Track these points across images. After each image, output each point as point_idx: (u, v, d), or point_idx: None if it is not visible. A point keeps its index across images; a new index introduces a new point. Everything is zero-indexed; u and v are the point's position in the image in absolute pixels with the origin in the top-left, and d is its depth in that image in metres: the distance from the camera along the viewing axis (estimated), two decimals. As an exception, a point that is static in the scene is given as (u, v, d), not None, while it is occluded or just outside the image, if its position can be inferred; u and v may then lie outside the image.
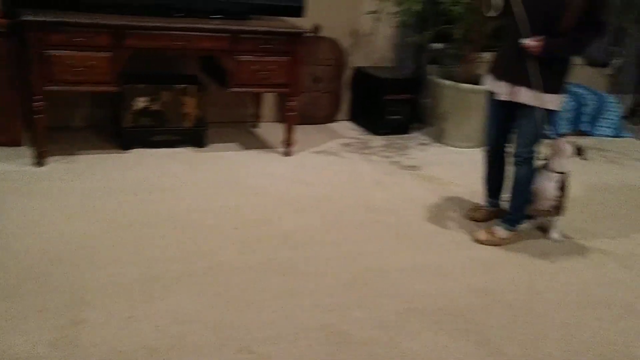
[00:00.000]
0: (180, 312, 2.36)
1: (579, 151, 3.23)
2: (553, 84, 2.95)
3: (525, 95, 2.97)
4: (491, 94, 3.16)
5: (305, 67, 4.62)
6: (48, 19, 3.26)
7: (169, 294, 2.46)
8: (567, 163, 3.21)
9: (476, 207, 3.51)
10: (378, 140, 4.73)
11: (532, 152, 3.09)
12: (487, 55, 4.82)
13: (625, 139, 5.45)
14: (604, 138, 5.44)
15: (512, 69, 3.00)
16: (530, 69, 2.91)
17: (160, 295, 2.45)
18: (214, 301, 2.45)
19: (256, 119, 4.67)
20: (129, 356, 2.09)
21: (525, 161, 3.10)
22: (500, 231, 3.19)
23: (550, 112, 3.01)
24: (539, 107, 2.96)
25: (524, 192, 3.18)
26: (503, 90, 3.05)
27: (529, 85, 2.94)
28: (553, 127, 3.72)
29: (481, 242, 3.18)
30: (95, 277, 2.52)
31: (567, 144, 3.19)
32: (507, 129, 3.20)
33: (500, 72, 3.08)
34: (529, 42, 2.83)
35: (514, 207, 3.20)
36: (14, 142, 3.74)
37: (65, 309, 2.29)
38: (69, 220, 2.95)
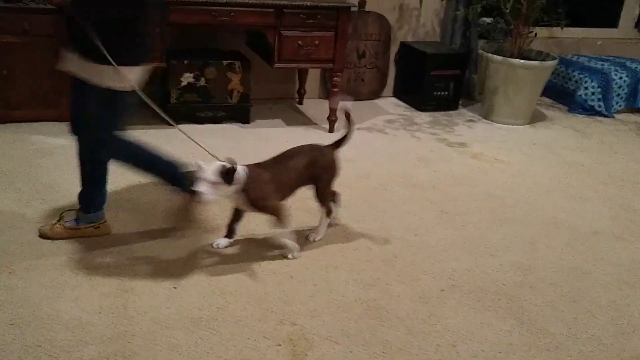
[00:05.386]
0: (223, 283, 2.40)
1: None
2: (110, 51, 2.22)
3: (71, 64, 2.34)
4: None
5: (351, 43, 4.58)
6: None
7: (210, 265, 2.51)
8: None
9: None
10: (424, 117, 4.66)
11: (94, 140, 2.48)
12: (538, 30, 4.69)
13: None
14: (661, 115, 5.24)
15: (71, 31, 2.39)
16: (79, 31, 2.25)
17: (202, 266, 2.49)
18: (254, 273, 2.48)
19: (301, 94, 4.67)
20: (174, 324, 2.14)
21: (91, 152, 2.52)
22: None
23: (112, 93, 2.35)
24: (92, 81, 2.31)
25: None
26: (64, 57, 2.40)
27: (75, 49, 2.31)
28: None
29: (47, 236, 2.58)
30: (135, 249, 2.59)
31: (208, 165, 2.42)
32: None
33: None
34: None
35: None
36: (65, 118, 3.83)
37: (108, 279, 2.36)
38: (122, 195, 3.03)
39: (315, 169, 2.60)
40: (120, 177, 2.97)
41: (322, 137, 4.03)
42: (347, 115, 2.71)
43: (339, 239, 2.80)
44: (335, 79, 4.00)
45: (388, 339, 2.17)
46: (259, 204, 2.46)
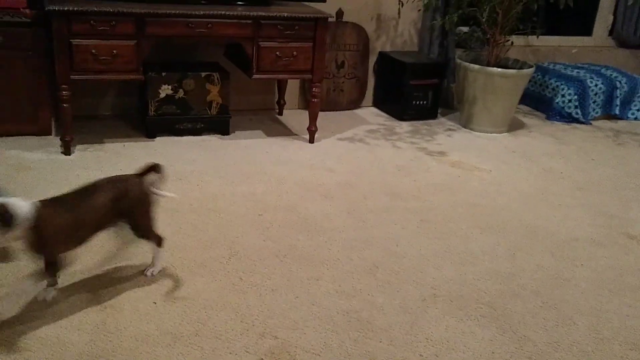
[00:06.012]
0: (203, 297, 2.37)
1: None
2: None
3: None
4: None
5: (329, 53, 4.60)
6: (72, 8, 3.29)
7: (192, 280, 2.48)
8: None
9: None
10: (403, 126, 4.68)
11: None
12: (514, 38, 4.75)
13: (659, 122, 5.31)
14: (635, 122, 5.32)
15: None
16: None
17: (184, 282, 2.47)
18: (237, 287, 2.46)
19: (280, 106, 4.66)
20: (155, 340, 2.11)
21: None
22: None
23: None
24: None
25: None
26: None
27: None
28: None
29: None
30: (120, 262, 2.55)
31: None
32: None
33: None
34: None
35: None
36: (43, 132, 3.80)
37: (92, 295, 2.33)
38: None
39: (123, 204, 2.28)
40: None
41: (302, 148, 4.03)
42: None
43: (321, 251, 2.79)
44: (315, 89, 4.00)
45: (371, 350, 2.16)
46: (39, 249, 2.10)
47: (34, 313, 2.20)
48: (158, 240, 2.46)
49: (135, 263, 2.56)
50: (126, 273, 2.49)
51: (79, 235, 2.21)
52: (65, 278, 2.39)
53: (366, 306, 2.41)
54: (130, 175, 2.38)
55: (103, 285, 2.39)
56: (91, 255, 2.57)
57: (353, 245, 2.85)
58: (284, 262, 2.66)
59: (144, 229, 2.40)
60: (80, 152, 3.62)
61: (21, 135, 3.73)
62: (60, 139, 3.63)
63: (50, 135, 3.80)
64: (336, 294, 2.47)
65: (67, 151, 3.57)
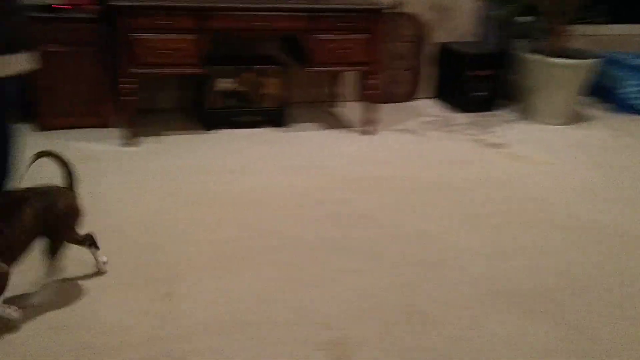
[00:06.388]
0: (262, 287, 2.40)
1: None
2: None
3: None
4: None
5: (385, 44, 4.56)
6: (135, 3, 3.38)
7: (250, 270, 2.52)
8: None
9: None
10: (461, 118, 4.61)
11: None
12: (578, 27, 4.60)
13: None
14: None
15: None
16: None
17: (241, 272, 2.51)
18: (292, 278, 2.48)
19: (336, 98, 4.66)
20: (216, 328, 2.15)
21: None
22: None
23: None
24: None
25: None
26: None
27: None
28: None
29: None
30: (181, 252, 2.61)
31: None
32: None
33: None
34: None
35: None
36: (106, 124, 3.92)
37: (155, 282, 2.39)
38: (154, 199, 3.07)
39: (49, 219, 2.10)
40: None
41: (357, 140, 4.03)
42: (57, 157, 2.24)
43: (375, 244, 2.78)
44: (371, 81, 3.98)
45: (430, 345, 2.14)
46: None
47: (94, 297, 2.28)
48: (90, 241, 2.34)
49: (201, 251, 2.61)
50: (188, 263, 2.55)
51: (8, 255, 2.00)
52: (131, 265, 2.47)
53: (423, 300, 2.39)
54: (59, 187, 2.21)
55: (166, 274, 2.46)
56: (153, 244, 2.64)
57: (408, 239, 2.83)
58: (339, 255, 2.67)
59: (59, 250, 2.20)
60: (144, 144, 3.72)
61: (85, 127, 3.86)
62: (123, 132, 3.73)
63: (113, 127, 3.92)
64: (391, 288, 2.46)
65: (129, 143, 3.68)
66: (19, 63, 2.37)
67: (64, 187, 2.23)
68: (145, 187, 3.18)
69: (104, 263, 2.43)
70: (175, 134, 3.93)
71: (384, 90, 4.75)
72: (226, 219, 2.91)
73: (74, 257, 2.52)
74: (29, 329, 2.09)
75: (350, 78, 4.75)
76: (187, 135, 3.92)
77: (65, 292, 2.29)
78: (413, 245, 2.78)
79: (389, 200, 3.21)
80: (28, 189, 2.15)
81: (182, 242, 2.68)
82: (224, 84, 3.95)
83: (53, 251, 2.19)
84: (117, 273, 2.43)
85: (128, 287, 2.36)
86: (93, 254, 2.40)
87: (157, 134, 3.90)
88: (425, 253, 2.72)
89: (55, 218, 2.13)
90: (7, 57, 2.31)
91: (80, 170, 3.26)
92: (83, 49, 3.69)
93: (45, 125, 3.77)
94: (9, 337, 2.04)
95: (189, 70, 3.64)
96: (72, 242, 2.27)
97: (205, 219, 2.89)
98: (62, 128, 3.81)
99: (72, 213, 2.22)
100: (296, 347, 2.09)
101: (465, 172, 3.63)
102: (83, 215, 2.26)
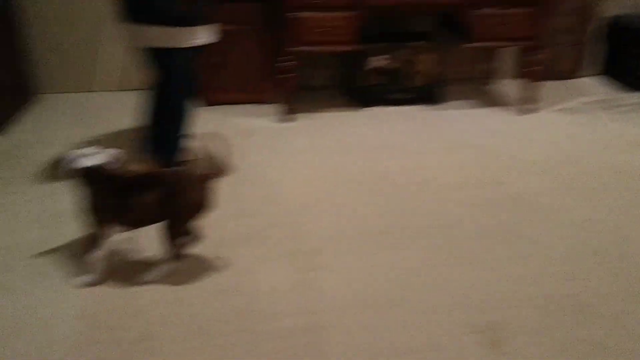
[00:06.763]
0: (415, 267, 2.39)
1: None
2: (151, 11, 2.54)
3: (144, 37, 2.63)
4: None
5: (550, 18, 4.28)
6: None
7: (403, 249, 2.51)
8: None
9: None
10: (633, 97, 4.23)
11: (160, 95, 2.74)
12: None
13: None
14: None
15: None
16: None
17: (395, 250, 2.51)
18: (445, 260, 2.44)
19: (493, 75, 4.48)
20: (366, 303, 2.19)
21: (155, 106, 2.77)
22: None
23: (167, 52, 2.61)
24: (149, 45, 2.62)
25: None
26: None
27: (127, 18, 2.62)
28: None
29: None
30: (334, 227, 2.67)
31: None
32: None
33: None
34: None
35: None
36: (266, 100, 4.09)
37: (307, 255, 2.47)
38: (310, 173, 3.16)
39: (172, 206, 2.22)
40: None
41: (515, 120, 3.85)
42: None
43: (532, 230, 2.65)
44: (533, 57, 3.77)
45: (594, 337, 2.02)
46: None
47: (254, 265, 2.40)
48: (176, 255, 2.29)
49: (348, 228, 2.66)
50: (336, 239, 2.60)
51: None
52: (281, 236, 2.57)
53: (587, 291, 2.25)
54: (196, 177, 2.25)
55: (309, 248, 2.52)
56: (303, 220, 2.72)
57: (569, 227, 2.66)
58: (492, 239, 2.57)
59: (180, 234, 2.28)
60: (299, 121, 3.84)
61: (247, 103, 4.05)
62: (281, 108, 3.87)
63: (272, 104, 4.07)
64: (553, 276, 2.34)
65: (287, 119, 3.81)
66: (207, 34, 2.64)
67: (201, 177, 2.23)
68: (297, 162, 3.28)
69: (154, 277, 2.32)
70: (327, 112, 4.00)
71: (545, 66, 4.48)
72: (376, 197, 2.93)
73: (231, 229, 2.67)
74: (198, 290, 2.25)
75: (508, 53, 4.53)
76: (340, 113, 3.97)
77: (224, 258, 2.44)
78: (580, 234, 2.61)
79: (552, 184, 3.04)
80: (166, 172, 2.31)
81: (330, 218, 2.74)
82: (378, 61, 3.95)
83: (173, 235, 2.25)
84: (269, 244, 2.54)
85: (279, 258, 2.45)
86: (184, 249, 2.32)
87: (313, 110, 4.00)
88: (593, 243, 2.55)
89: (178, 208, 2.20)
90: (200, 28, 2.58)
91: (238, 144, 3.47)
92: (247, 28, 3.85)
93: (210, 100, 4.01)
94: (181, 296, 2.22)
95: (344, 48, 3.67)
96: (179, 234, 2.28)
97: (354, 196, 2.93)
98: (225, 103, 4.03)
99: (194, 208, 2.23)
100: (449, 329, 2.06)
101: (637, 156, 3.33)
102: (205, 210, 2.25)
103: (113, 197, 2.18)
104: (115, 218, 2.23)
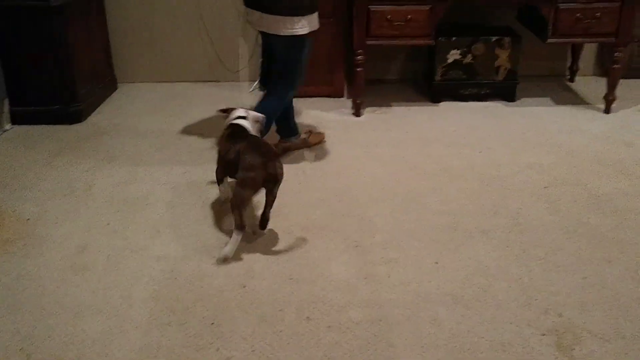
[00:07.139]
0: (485, 264, 2.36)
1: None
2: (287, 4, 2.78)
3: (263, 21, 2.85)
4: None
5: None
6: (372, -24, 3.45)
7: (473, 245, 2.48)
8: None
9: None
10: None
11: (279, 84, 2.98)
12: None
13: None
14: None
15: None
16: None
17: (465, 246, 2.48)
18: (519, 258, 2.40)
19: (573, 72, 4.33)
20: (436, 299, 2.18)
21: (271, 93, 3.02)
22: None
23: (298, 39, 2.84)
24: (282, 34, 2.82)
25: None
26: (252, 19, 2.93)
27: (263, 9, 2.81)
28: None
29: None
30: (404, 221, 2.67)
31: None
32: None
33: None
34: None
35: None
36: (338, 94, 4.11)
37: (376, 247, 2.48)
38: (380, 167, 3.16)
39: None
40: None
41: (596, 118, 3.71)
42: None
43: (615, 232, 2.56)
44: (617, 54, 3.62)
45: (671, 347, 1.94)
46: None
47: (327, 256, 2.42)
48: (240, 226, 2.38)
49: (420, 222, 2.65)
50: (408, 233, 2.59)
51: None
52: (352, 228, 2.59)
53: (668, 298, 2.16)
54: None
55: (378, 241, 2.53)
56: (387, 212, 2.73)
57: (654, 229, 2.56)
58: (572, 239, 2.51)
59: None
60: (369, 114, 3.84)
61: (318, 96, 4.08)
62: (352, 101, 3.88)
63: (343, 97, 4.09)
64: (631, 280, 2.25)
65: (357, 112, 3.82)
66: (317, 21, 2.98)
67: (273, 153, 2.50)
68: (368, 155, 3.29)
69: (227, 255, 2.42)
70: (401, 105, 3.98)
71: (629, 63, 4.30)
72: (448, 193, 2.90)
73: (302, 219, 2.71)
74: (271, 278, 2.30)
75: (588, 50, 4.36)
76: (413, 107, 3.94)
77: (294, 248, 2.48)
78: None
79: (637, 185, 2.92)
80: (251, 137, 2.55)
81: (401, 212, 2.74)
82: (454, 55, 3.89)
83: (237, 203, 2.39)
84: (339, 235, 2.57)
85: (348, 250, 2.47)
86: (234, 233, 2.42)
87: (385, 104, 3.99)
88: (672, 247, 2.44)
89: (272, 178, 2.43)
90: (315, 15, 2.93)
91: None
92: (324, 21, 3.87)
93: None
94: (254, 284, 2.28)
95: (420, 42, 3.64)
96: (243, 203, 2.43)
97: (425, 191, 2.91)
98: (298, 96, 4.07)
99: (257, 180, 2.39)
100: (519, 328, 2.03)
101: None
102: (268, 185, 2.45)
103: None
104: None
